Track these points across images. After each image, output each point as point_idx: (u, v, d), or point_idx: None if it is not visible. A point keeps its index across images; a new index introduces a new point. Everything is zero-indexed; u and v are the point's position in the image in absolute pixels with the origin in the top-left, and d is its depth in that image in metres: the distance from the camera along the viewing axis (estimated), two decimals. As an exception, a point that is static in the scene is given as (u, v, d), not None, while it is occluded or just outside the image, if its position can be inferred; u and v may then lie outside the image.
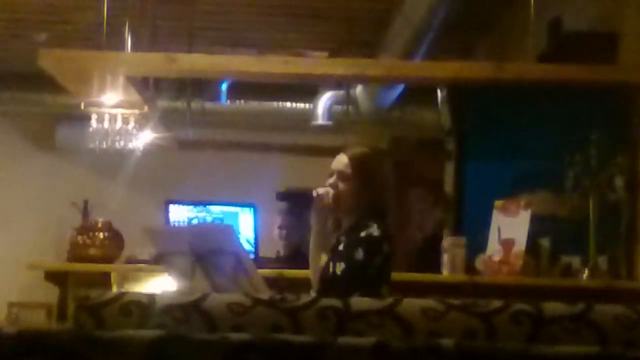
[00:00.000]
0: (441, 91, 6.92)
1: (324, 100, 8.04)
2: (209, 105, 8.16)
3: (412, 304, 2.07)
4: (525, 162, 5.46)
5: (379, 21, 6.73)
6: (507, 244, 5.04)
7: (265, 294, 2.54)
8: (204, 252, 3.45)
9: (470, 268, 5.11)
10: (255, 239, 5.65)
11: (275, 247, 6.44)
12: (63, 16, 7.21)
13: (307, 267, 3.70)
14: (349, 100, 8.01)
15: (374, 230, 3.53)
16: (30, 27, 7.44)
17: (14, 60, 7.95)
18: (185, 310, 2.04)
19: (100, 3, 5.84)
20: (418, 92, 7.76)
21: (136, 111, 6.22)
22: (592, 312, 2.06)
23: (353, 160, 3.64)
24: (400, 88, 7.51)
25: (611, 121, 5.23)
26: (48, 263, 6.24)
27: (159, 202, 6.07)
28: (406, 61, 6.26)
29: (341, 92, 8.02)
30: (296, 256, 5.74)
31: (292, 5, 6.97)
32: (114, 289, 5.19)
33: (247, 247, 5.42)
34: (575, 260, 5.03)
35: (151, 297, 2.08)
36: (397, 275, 4.01)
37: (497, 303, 2.08)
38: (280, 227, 6.48)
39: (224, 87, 8.14)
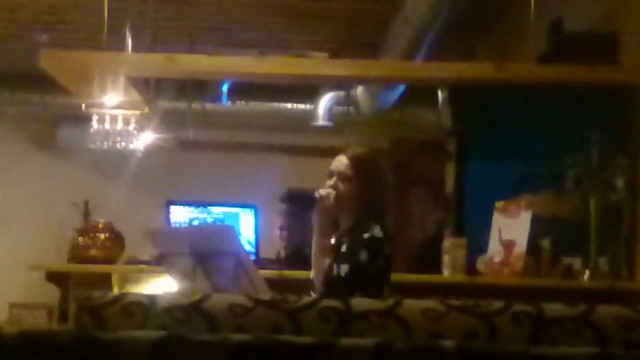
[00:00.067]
0: (442, 92, 6.92)
1: (325, 101, 8.04)
2: (209, 105, 8.17)
3: (413, 305, 2.07)
4: (526, 162, 5.45)
5: (380, 22, 6.73)
6: (507, 245, 5.04)
7: (266, 295, 2.54)
8: (204, 253, 3.45)
9: (471, 269, 5.11)
10: (256, 239, 5.65)
11: (276, 248, 6.44)
12: (64, 17, 7.22)
13: (307, 268, 3.70)
14: (350, 101, 8.01)
15: (377, 232, 3.53)
16: (31, 28, 7.45)
17: (15, 61, 7.95)
18: (186, 311, 2.05)
19: (101, 4, 5.85)
20: (419, 93, 7.75)
21: (137, 112, 6.22)
22: (593, 313, 2.06)
23: (353, 160, 3.64)
24: (401, 88, 7.51)
25: (612, 121, 5.22)
26: (49, 264, 6.23)
27: (159, 202, 6.07)
28: (407, 62, 6.26)
29: (342, 93, 8.02)
30: (297, 257, 5.74)
31: (293, 6, 6.97)
32: (115, 290, 5.19)
33: (248, 247, 5.42)
34: (576, 261, 5.03)
35: (152, 298, 2.08)
36: (398, 276, 4.01)
37: (498, 304, 2.08)
38: (281, 228, 6.48)
39: (225, 87, 8.15)
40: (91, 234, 5.74)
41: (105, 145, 6.19)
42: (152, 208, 7.00)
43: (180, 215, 5.73)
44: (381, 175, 3.76)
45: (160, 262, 3.76)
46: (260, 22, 7.33)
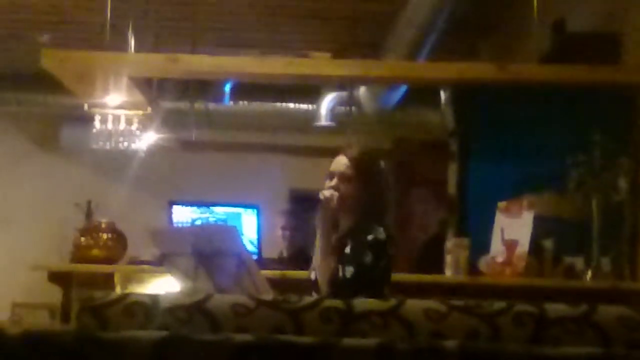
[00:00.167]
0: (444, 92, 6.93)
1: (327, 101, 8.04)
2: (212, 106, 8.17)
3: (415, 305, 2.07)
4: (528, 163, 5.46)
5: (382, 22, 6.73)
6: (510, 245, 5.03)
7: (268, 295, 2.54)
8: (207, 253, 3.45)
9: (473, 269, 5.11)
10: (259, 240, 5.64)
11: (278, 248, 6.45)
12: (66, 17, 7.22)
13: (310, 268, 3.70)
14: (352, 101, 8.01)
15: (380, 234, 3.52)
16: (34, 28, 7.46)
17: (18, 61, 7.96)
18: (188, 311, 2.05)
19: (104, 4, 5.85)
20: (421, 93, 7.76)
21: (140, 112, 6.23)
22: (596, 313, 2.06)
23: (353, 161, 3.63)
24: (403, 89, 7.51)
25: (614, 122, 5.22)
26: (51, 264, 6.23)
27: (162, 202, 6.07)
28: (409, 62, 6.26)
29: (344, 93, 8.02)
30: (299, 257, 5.74)
31: (295, 7, 6.97)
32: (118, 290, 5.19)
33: (250, 248, 5.42)
34: (579, 262, 5.03)
35: (154, 298, 2.08)
36: (400, 277, 4.01)
37: (500, 304, 2.08)
38: (283, 228, 6.49)
39: (228, 88, 8.15)
40: (93, 234, 5.74)
41: (108, 146, 6.19)
42: (154, 208, 7.00)
43: (182, 215, 5.72)
44: (381, 174, 3.75)
45: (163, 262, 3.76)
46: (262, 23, 7.33)
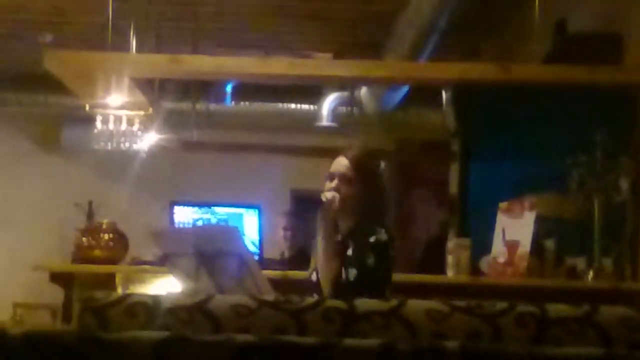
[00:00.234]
0: (446, 92, 6.92)
1: (329, 102, 8.05)
2: (213, 106, 8.18)
3: (416, 306, 2.07)
4: (530, 163, 5.46)
5: (384, 23, 6.73)
6: (511, 246, 5.03)
7: (269, 296, 2.54)
8: (208, 253, 3.44)
9: (474, 269, 5.11)
10: (260, 240, 5.64)
11: (279, 248, 6.45)
12: (68, 18, 7.22)
13: (312, 269, 3.70)
14: (354, 101, 8.02)
15: (382, 235, 3.52)
16: (36, 29, 7.46)
17: (19, 62, 7.97)
18: (190, 312, 2.05)
19: (106, 4, 5.85)
20: (423, 94, 7.76)
21: (141, 112, 6.23)
22: (597, 313, 2.06)
23: (353, 162, 3.63)
24: (404, 89, 7.51)
25: (616, 122, 5.22)
26: (53, 264, 6.24)
27: (163, 203, 6.08)
28: (411, 62, 6.26)
29: (346, 94, 8.03)
30: (301, 257, 5.74)
31: (297, 7, 6.97)
32: (119, 290, 5.19)
33: (252, 248, 5.42)
34: (580, 262, 5.03)
35: (156, 298, 2.08)
36: (402, 277, 4.01)
37: (501, 305, 2.07)
38: (284, 229, 6.49)
39: (229, 88, 8.16)
40: (95, 235, 5.74)
41: (109, 146, 6.19)
42: (155, 208, 7.01)
43: (184, 215, 5.72)
44: (379, 175, 3.77)
45: (164, 263, 3.76)
46: (264, 23, 7.33)
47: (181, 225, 5.58)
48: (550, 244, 5.07)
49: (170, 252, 3.65)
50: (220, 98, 8.17)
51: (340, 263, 3.50)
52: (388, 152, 8.77)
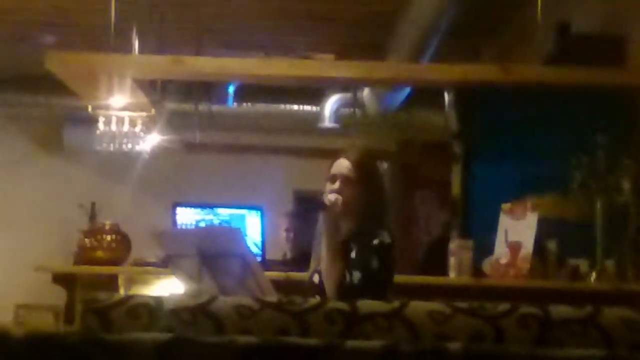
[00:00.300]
0: (448, 94, 6.92)
1: (331, 103, 8.05)
2: (216, 107, 8.18)
3: (419, 307, 2.07)
4: (532, 164, 5.45)
5: (386, 24, 6.74)
6: (514, 247, 5.03)
7: (272, 297, 2.54)
8: (211, 254, 3.44)
9: (477, 271, 5.10)
10: (263, 241, 5.64)
11: (282, 249, 6.45)
12: (71, 19, 7.23)
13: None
14: (356, 103, 8.02)
15: (385, 238, 3.52)
16: (38, 30, 7.46)
17: (22, 63, 7.97)
18: (192, 313, 2.05)
19: (108, 5, 5.86)
20: (425, 95, 7.76)
21: (143, 113, 6.23)
22: (600, 315, 2.06)
23: (355, 163, 3.62)
24: (407, 91, 7.51)
25: (618, 124, 5.22)
26: (55, 265, 6.24)
27: (166, 204, 6.08)
28: (413, 64, 6.26)
29: (348, 95, 8.03)
30: (303, 258, 5.73)
31: (299, 9, 6.98)
32: (122, 292, 5.19)
33: (254, 249, 5.42)
34: (583, 263, 5.02)
35: (158, 299, 2.08)
36: (404, 278, 4.00)
37: (504, 306, 2.07)
38: (287, 230, 6.49)
39: (231, 89, 8.16)
40: (97, 236, 5.74)
41: (112, 147, 6.20)
42: (158, 210, 7.00)
43: (186, 217, 5.72)
44: (380, 176, 3.76)
45: (167, 264, 3.76)
46: (266, 25, 7.33)
47: (184, 227, 5.59)
48: (552, 245, 5.07)
49: (173, 253, 3.65)
50: (223, 99, 8.17)
51: (343, 265, 3.49)
52: (390, 153, 8.77)
